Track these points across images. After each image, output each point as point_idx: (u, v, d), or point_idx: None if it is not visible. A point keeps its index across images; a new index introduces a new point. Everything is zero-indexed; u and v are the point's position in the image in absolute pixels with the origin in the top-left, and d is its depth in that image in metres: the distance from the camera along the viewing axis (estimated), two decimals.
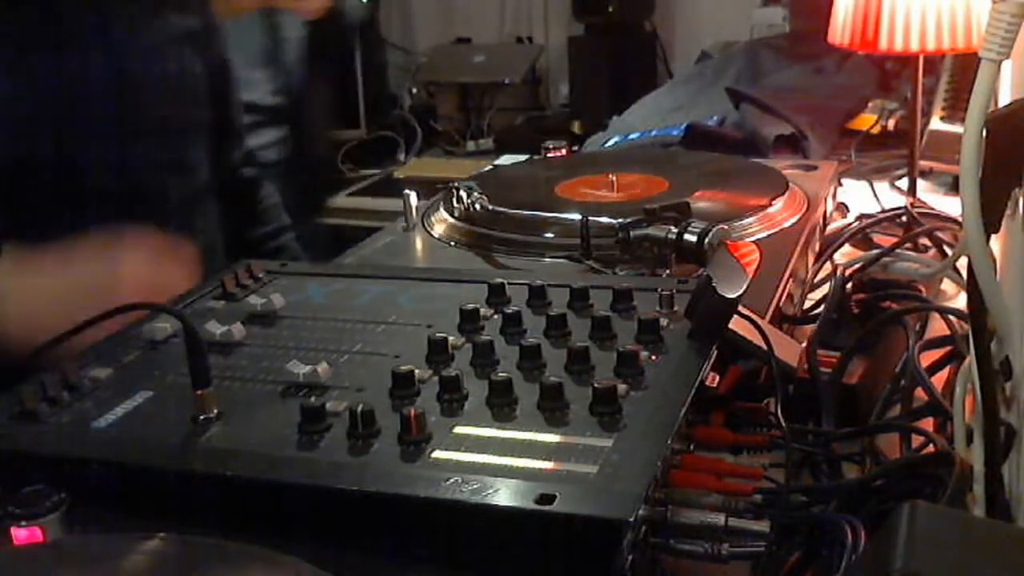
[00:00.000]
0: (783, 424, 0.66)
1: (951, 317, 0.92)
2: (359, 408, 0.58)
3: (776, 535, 0.57)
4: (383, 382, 0.64)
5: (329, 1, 1.34)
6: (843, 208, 1.27)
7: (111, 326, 0.72)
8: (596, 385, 0.59)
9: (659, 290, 0.73)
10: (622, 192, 1.09)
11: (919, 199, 1.33)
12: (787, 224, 1.01)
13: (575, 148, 1.36)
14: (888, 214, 1.24)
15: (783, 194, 1.05)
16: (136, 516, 0.54)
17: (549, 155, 1.29)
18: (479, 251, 0.99)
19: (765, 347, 0.70)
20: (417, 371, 0.64)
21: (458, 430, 0.58)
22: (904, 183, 1.39)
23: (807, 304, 1.00)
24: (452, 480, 0.53)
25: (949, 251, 1.13)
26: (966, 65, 1.46)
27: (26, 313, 0.83)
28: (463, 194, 1.02)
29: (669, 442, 0.56)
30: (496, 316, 0.73)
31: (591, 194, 1.10)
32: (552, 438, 0.57)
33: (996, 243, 0.67)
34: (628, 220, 0.90)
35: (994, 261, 0.60)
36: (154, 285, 0.85)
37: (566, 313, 0.71)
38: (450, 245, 1.02)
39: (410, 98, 3.28)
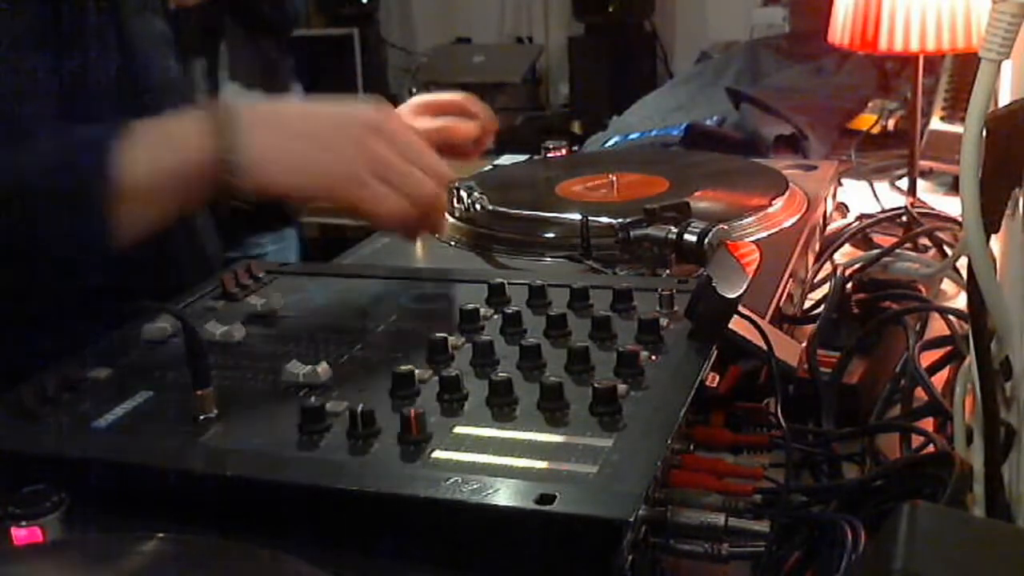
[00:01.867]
0: (783, 424, 0.66)
1: (951, 317, 0.92)
2: (359, 408, 0.58)
3: (776, 535, 0.57)
4: (383, 382, 0.64)
5: None
6: (843, 208, 1.27)
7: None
8: (596, 385, 0.59)
9: (659, 290, 0.73)
10: (622, 192, 1.09)
11: (919, 199, 1.33)
12: (787, 224, 1.01)
13: (575, 148, 1.36)
14: (888, 214, 1.24)
15: (783, 194, 1.05)
16: (136, 516, 0.54)
17: (549, 155, 1.29)
18: (479, 251, 0.99)
19: (765, 347, 0.70)
20: (417, 371, 0.64)
21: (458, 430, 0.58)
22: (904, 183, 1.39)
23: (807, 304, 1.00)
24: (452, 480, 0.53)
25: (949, 251, 1.13)
26: (966, 65, 1.46)
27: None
28: (463, 194, 1.02)
29: (669, 442, 0.56)
30: (496, 316, 0.73)
31: (591, 194, 1.10)
32: (552, 438, 0.57)
33: (996, 243, 0.67)
34: (628, 220, 0.90)
35: (994, 261, 0.60)
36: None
37: (566, 313, 0.71)
38: (450, 245, 1.02)
39: (410, 98, 3.28)
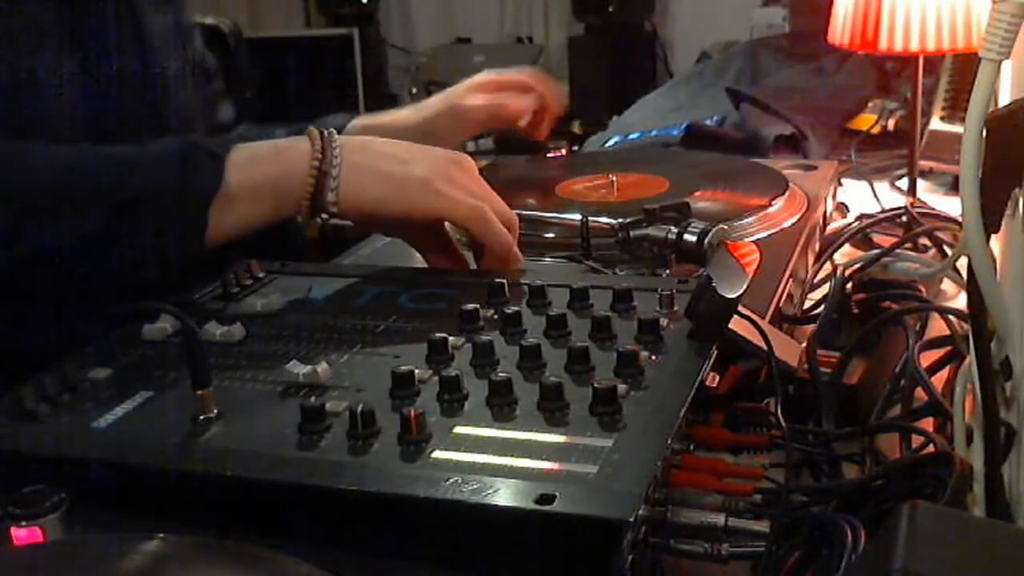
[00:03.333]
0: (783, 424, 0.66)
1: (951, 317, 0.92)
2: (359, 408, 0.58)
3: (776, 535, 0.57)
4: (383, 382, 0.64)
5: None
6: (843, 208, 1.27)
7: None
8: (596, 385, 0.59)
9: (659, 290, 0.73)
10: (622, 192, 1.09)
11: (919, 199, 1.33)
12: (787, 224, 1.01)
13: (575, 148, 1.36)
14: (888, 214, 1.24)
15: (783, 194, 1.05)
16: (136, 516, 0.54)
17: (549, 155, 1.29)
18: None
19: (765, 347, 0.70)
20: (417, 371, 0.64)
21: (458, 430, 0.58)
22: (904, 183, 1.39)
23: (807, 304, 1.00)
24: (452, 480, 0.53)
25: (949, 251, 1.13)
26: (966, 65, 1.46)
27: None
28: None
29: (669, 442, 0.56)
30: (496, 316, 0.73)
31: (591, 194, 1.10)
32: (552, 438, 0.57)
33: (996, 243, 0.67)
34: (628, 220, 0.90)
35: (994, 261, 0.60)
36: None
37: (566, 313, 0.71)
38: None
39: (410, 98, 3.29)
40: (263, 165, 0.85)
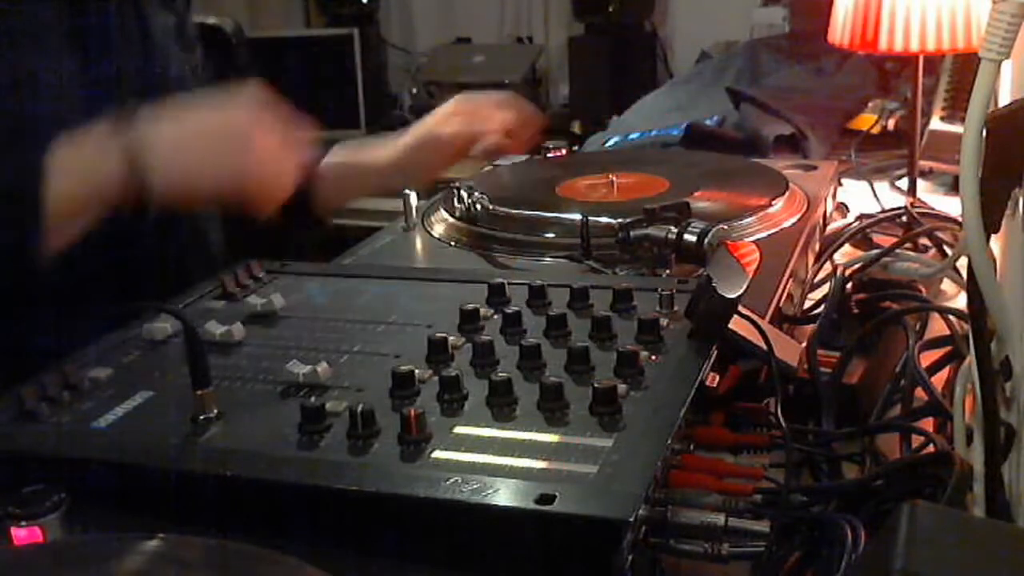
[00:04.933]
0: (783, 424, 0.66)
1: (951, 317, 0.92)
2: (359, 408, 0.58)
3: (776, 535, 0.57)
4: (383, 382, 0.64)
5: None
6: (843, 208, 1.27)
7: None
8: (596, 385, 0.59)
9: (659, 290, 0.73)
10: (622, 192, 1.09)
11: (919, 199, 1.33)
12: (787, 224, 1.01)
13: (575, 148, 1.36)
14: (888, 214, 1.24)
15: (783, 194, 1.05)
16: (136, 516, 0.54)
17: (549, 155, 1.29)
18: (479, 251, 0.99)
19: (765, 347, 0.70)
20: (417, 371, 0.64)
21: (458, 430, 0.58)
22: (904, 183, 1.39)
23: (807, 304, 1.00)
24: (452, 480, 0.53)
25: (949, 251, 1.13)
26: (966, 65, 1.46)
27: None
28: (463, 194, 1.02)
29: (669, 442, 0.56)
30: (496, 316, 0.73)
31: (591, 194, 1.10)
32: (552, 438, 0.57)
33: (996, 243, 0.67)
34: (628, 220, 0.90)
35: (994, 261, 0.60)
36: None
37: (566, 313, 0.71)
38: (450, 245, 1.01)
39: (410, 98, 3.29)
40: (78, 183, 0.85)
